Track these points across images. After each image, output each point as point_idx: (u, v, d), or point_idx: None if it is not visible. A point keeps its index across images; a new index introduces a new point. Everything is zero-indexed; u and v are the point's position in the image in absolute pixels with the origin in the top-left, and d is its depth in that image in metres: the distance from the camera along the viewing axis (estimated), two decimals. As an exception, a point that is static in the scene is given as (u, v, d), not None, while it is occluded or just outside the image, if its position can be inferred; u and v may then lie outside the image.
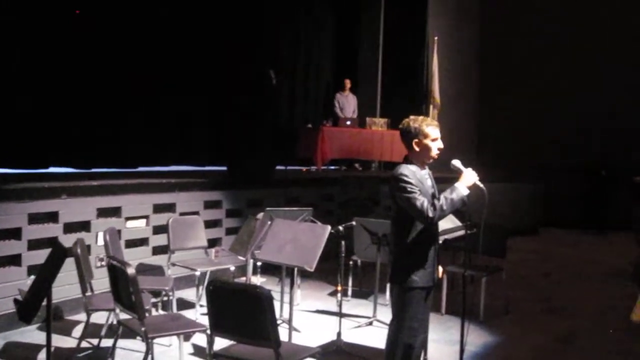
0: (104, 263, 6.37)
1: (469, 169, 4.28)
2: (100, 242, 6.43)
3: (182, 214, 7.71)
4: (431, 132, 4.29)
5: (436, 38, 13.96)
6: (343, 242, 6.05)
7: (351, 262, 7.65)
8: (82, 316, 6.10)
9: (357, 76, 14.07)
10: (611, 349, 6.32)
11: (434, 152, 4.31)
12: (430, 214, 4.07)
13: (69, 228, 6.60)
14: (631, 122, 12.89)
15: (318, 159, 11.79)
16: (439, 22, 14.51)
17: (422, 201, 4.08)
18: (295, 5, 13.07)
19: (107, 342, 5.48)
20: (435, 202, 4.13)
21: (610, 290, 8.67)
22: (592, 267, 10.28)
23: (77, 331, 5.98)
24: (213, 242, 7.97)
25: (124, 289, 4.50)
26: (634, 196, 9.72)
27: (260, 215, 6.69)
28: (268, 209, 7.04)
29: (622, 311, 7.23)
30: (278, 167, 10.42)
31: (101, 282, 5.83)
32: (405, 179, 4.15)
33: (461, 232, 5.33)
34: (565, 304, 7.97)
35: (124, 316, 4.88)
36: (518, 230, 11.71)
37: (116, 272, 4.64)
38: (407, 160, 4.33)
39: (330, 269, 7.61)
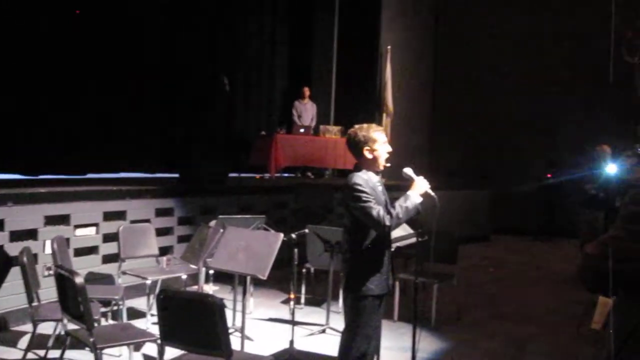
0: (51, 272, 6.22)
1: (421, 177, 4.31)
2: (48, 250, 6.27)
3: (132, 221, 7.60)
4: (379, 137, 4.34)
5: (389, 47, 14.07)
6: (296, 250, 6.04)
7: (304, 270, 7.63)
8: (28, 327, 5.94)
9: (311, 84, 14.08)
10: (562, 353, 6.42)
11: (385, 157, 4.34)
12: (387, 222, 4.09)
13: (15, 236, 6.43)
14: (578, 129, 13.15)
15: (271, 166, 11.74)
16: (393, 31, 14.61)
17: (377, 210, 4.10)
18: (248, 13, 13.05)
19: (54, 353, 5.36)
20: (392, 210, 4.15)
21: (560, 296, 8.83)
22: (542, 273, 10.49)
23: (23, 342, 5.84)
24: (164, 250, 7.86)
25: (72, 298, 4.40)
26: (581, 203, 9.90)
27: (212, 223, 6.63)
28: (220, 216, 7.00)
29: (572, 316, 7.36)
30: (231, 175, 10.36)
31: (48, 291, 5.70)
32: (360, 188, 4.16)
33: (413, 240, 5.36)
34: (516, 309, 8.09)
35: (72, 326, 4.77)
36: (470, 237, 11.87)
37: (64, 281, 4.54)
38: (357, 169, 4.35)
39: (283, 277, 7.57)
